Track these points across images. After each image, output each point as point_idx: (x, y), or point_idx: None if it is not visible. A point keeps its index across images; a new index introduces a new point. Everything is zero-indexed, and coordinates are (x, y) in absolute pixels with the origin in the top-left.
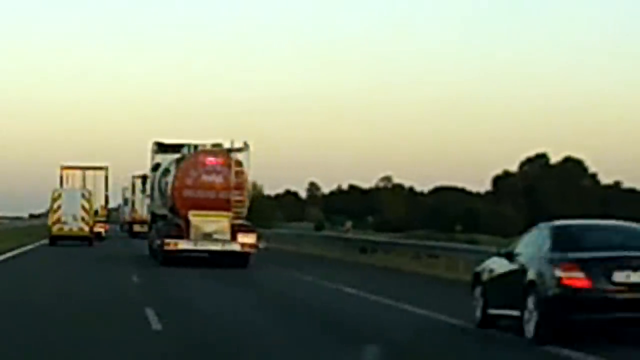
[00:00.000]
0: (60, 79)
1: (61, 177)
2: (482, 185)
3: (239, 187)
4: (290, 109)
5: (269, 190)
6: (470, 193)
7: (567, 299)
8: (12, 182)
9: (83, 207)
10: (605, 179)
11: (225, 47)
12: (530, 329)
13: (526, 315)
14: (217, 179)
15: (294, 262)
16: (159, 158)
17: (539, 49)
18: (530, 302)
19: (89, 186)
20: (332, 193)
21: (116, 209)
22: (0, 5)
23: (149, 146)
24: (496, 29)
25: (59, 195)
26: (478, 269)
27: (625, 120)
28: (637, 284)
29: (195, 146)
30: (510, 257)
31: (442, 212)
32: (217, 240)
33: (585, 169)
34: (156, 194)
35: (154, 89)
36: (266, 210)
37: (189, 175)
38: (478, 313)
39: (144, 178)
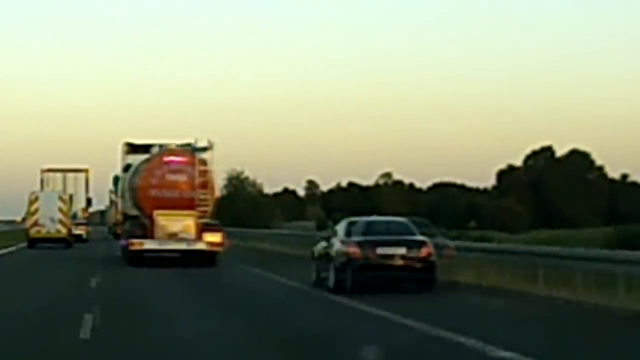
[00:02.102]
0: (43, 82)
1: (42, 180)
2: (486, 180)
3: (204, 186)
4: (287, 107)
5: (267, 189)
6: (470, 189)
7: (352, 265)
8: (6, 186)
9: (60, 210)
10: (612, 172)
11: (219, 46)
12: (331, 282)
13: (330, 275)
14: (182, 178)
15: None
16: (130, 159)
17: (542, 42)
18: (332, 267)
19: (70, 189)
20: (330, 191)
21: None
22: None
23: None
24: (498, 23)
25: (36, 198)
26: (314, 248)
27: (631, 112)
28: (392, 254)
29: (162, 146)
30: (328, 240)
31: (445, 209)
32: (182, 239)
33: (591, 162)
34: (127, 194)
35: (146, 89)
36: (265, 210)
37: (153, 175)
38: (313, 277)
39: (116, 179)
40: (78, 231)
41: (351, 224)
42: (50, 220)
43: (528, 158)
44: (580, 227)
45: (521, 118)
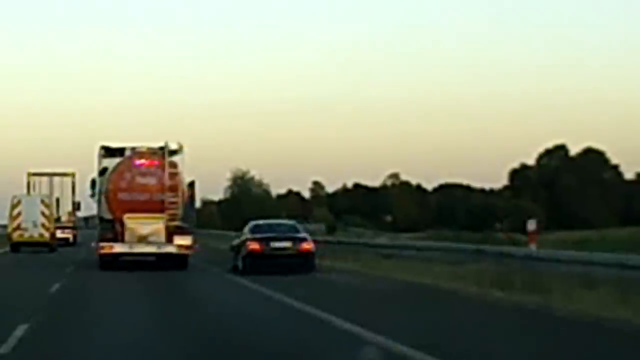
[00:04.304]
0: (29, 85)
1: (28, 184)
2: (495, 181)
3: (173, 188)
4: (292, 109)
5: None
6: (474, 189)
7: (251, 255)
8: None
9: (43, 213)
10: (627, 171)
11: (222, 48)
12: (240, 267)
13: (239, 262)
14: (151, 181)
15: None
16: (106, 162)
17: (555, 40)
18: (240, 257)
19: (57, 192)
20: (335, 192)
21: None
22: None
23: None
24: (509, 20)
25: (18, 202)
26: (231, 243)
27: None
28: (281, 247)
29: (133, 148)
30: (239, 237)
31: (455, 210)
32: (152, 242)
33: (606, 161)
34: (103, 198)
35: (147, 90)
36: (272, 212)
37: (123, 178)
38: (230, 265)
39: (92, 182)
40: (64, 235)
41: (255, 225)
42: (32, 225)
43: (541, 157)
44: (596, 228)
45: (532, 117)
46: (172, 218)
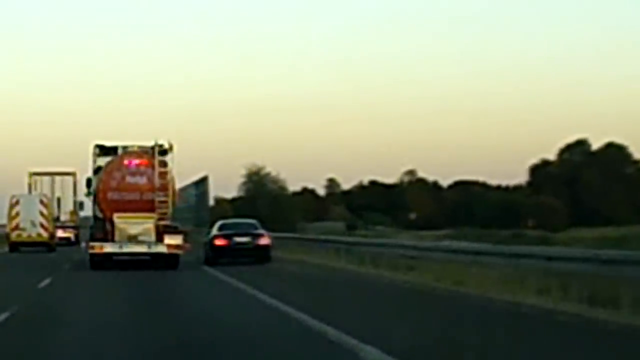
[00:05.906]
0: (28, 85)
1: (29, 183)
2: (513, 177)
3: (163, 188)
4: (305, 105)
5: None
6: (489, 186)
7: (218, 249)
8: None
9: (41, 213)
10: None
11: (243, 44)
12: (210, 259)
13: (208, 254)
14: (141, 181)
15: None
16: (101, 161)
17: (576, 35)
18: (207, 250)
19: (58, 192)
20: (350, 190)
21: None
22: None
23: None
24: (529, 15)
25: (17, 202)
26: (203, 239)
27: None
28: (242, 242)
29: (125, 147)
30: (209, 234)
31: (473, 207)
32: (142, 242)
33: (628, 156)
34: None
35: (157, 90)
36: (289, 210)
37: (113, 177)
38: (203, 257)
39: (88, 181)
40: (66, 234)
41: (222, 224)
42: (31, 224)
43: (562, 152)
44: (619, 224)
45: (553, 111)
46: (162, 217)
